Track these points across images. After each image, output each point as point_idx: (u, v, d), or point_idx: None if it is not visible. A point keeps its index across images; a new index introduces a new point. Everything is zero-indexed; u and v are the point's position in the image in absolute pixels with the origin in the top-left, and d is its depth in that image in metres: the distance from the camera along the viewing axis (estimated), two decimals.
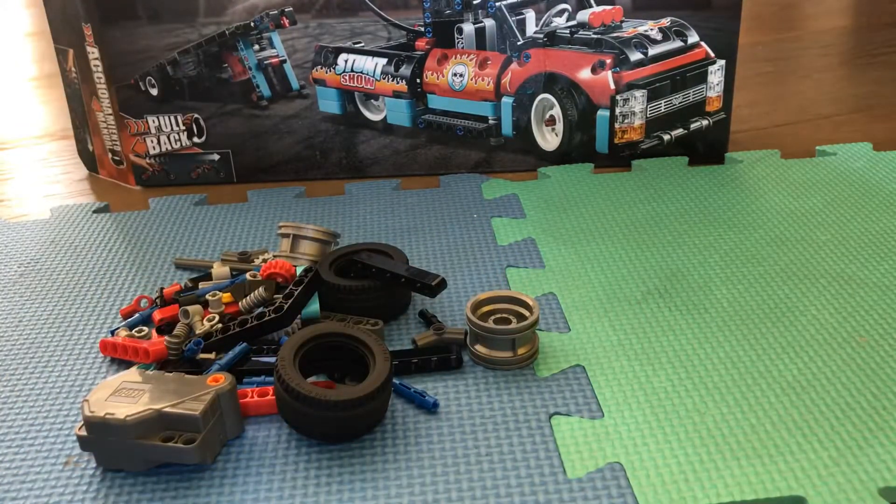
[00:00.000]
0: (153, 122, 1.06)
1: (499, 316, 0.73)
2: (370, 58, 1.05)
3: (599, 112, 1.04)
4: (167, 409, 0.60)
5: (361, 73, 1.06)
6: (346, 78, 1.06)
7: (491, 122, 1.06)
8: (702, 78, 1.05)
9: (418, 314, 0.78)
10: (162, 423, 0.61)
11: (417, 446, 0.63)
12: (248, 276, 0.78)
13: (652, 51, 1.02)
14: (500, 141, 1.07)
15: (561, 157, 1.07)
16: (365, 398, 0.62)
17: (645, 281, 0.83)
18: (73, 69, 1.08)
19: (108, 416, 0.60)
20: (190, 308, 0.75)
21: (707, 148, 1.08)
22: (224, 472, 0.62)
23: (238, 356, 0.70)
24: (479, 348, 0.71)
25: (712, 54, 1.04)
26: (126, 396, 0.62)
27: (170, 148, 1.08)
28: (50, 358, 0.76)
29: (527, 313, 0.72)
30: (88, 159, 1.14)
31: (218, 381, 0.63)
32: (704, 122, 1.07)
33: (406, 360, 0.70)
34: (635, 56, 1.02)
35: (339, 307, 0.77)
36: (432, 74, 1.05)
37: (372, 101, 1.07)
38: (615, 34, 1.02)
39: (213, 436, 0.62)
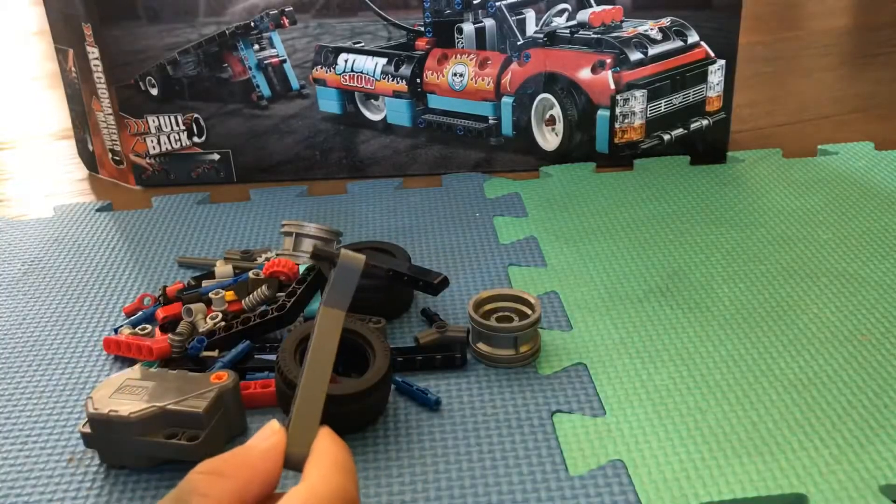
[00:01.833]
0: (153, 121, 1.06)
1: (501, 314, 0.73)
2: (370, 58, 1.05)
3: (599, 112, 1.05)
4: (170, 407, 0.61)
5: (361, 72, 1.06)
6: (346, 78, 1.06)
7: (491, 121, 1.06)
8: (702, 78, 1.05)
9: (420, 312, 0.78)
10: (165, 420, 0.61)
11: (420, 443, 0.63)
12: (250, 274, 0.78)
13: (652, 51, 1.03)
14: (500, 141, 1.07)
15: (561, 156, 1.07)
16: (361, 394, 0.62)
17: (647, 279, 0.83)
18: (73, 69, 1.08)
19: (111, 414, 0.60)
20: (193, 306, 0.75)
21: (707, 148, 1.08)
22: None
23: (241, 354, 0.70)
24: (482, 346, 0.71)
25: (712, 54, 1.04)
26: (129, 394, 0.62)
27: (170, 148, 1.08)
28: (54, 356, 0.76)
29: (529, 311, 0.72)
30: (88, 159, 1.14)
31: (221, 378, 0.63)
32: (704, 122, 1.07)
33: (410, 357, 0.71)
34: (635, 56, 1.02)
35: None
36: (432, 74, 1.05)
37: (372, 100, 1.07)
38: (615, 34, 1.02)
39: (216, 433, 0.62)
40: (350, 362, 0.68)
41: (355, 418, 0.64)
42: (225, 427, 0.63)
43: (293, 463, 0.37)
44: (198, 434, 0.60)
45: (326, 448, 0.37)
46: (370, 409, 0.64)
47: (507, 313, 0.73)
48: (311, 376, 0.40)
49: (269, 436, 0.37)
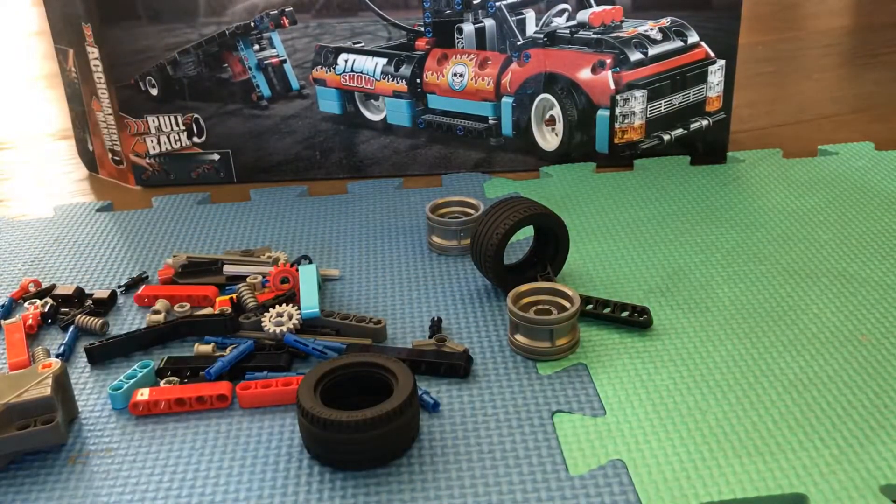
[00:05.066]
0: (153, 122, 1.06)
1: (540, 307, 0.74)
2: (370, 58, 1.05)
3: (599, 112, 1.05)
4: (14, 401, 0.61)
5: (361, 73, 1.06)
6: (346, 78, 1.06)
7: (491, 122, 1.06)
8: (702, 78, 1.05)
9: (431, 319, 0.77)
10: (13, 414, 0.61)
11: (420, 444, 0.63)
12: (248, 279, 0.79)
13: (652, 51, 1.03)
14: (500, 141, 1.07)
15: (561, 157, 1.07)
16: (389, 415, 0.60)
17: (647, 279, 0.83)
18: (73, 69, 1.08)
19: None
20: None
21: (707, 148, 1.08)
22: (231, 469, 0.62)
23: (243, 353, 0.70)
24: (519, 338, 0.72)
25: (712, 54, 1.04)
26: None
27: (170, 148, 1.08)
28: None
29: (568, 305, 0.73)
30: (88, 159, 1.14)
31: (49, 366, 0.64)
32: (704, 122, 1.07)
33: (417, 360, 0.70)
34: (635, 56, 1.02)
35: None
36: (432, 74, 1.05)
37: (372, 101, 1.07)
38: (615, 34, 1.02)
39: (64, 415, 0.63)
40: (376, 394, 0.65)
41: (391, 440, 0.62)
42: (67, 409, 0.64)
43: None
44: (52, 417, 0.61)
45: None
46: (403, 431, 0.62)
47: (546, 306, 0.74)
48: None
49: None
